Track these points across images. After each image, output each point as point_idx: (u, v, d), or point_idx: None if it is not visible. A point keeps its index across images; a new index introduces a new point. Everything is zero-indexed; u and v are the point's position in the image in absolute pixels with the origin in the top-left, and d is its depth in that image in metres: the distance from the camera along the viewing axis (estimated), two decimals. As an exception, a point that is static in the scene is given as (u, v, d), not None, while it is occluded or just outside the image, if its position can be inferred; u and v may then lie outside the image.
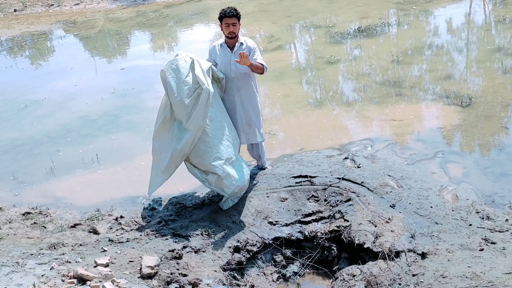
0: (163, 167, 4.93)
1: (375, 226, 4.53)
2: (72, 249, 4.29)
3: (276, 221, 4.94)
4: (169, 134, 4.90)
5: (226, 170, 4.81)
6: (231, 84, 5.18)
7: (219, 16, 5.09)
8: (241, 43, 5.15)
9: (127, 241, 4.51)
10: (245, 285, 4.28)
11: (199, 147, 4.84)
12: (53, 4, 21.34)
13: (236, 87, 5.20)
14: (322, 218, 4.94)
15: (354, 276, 4.08)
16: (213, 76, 5.00)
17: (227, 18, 5.00)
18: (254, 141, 5.47)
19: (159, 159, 4.97)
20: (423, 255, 4.02)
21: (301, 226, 4.90)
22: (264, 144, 5.73)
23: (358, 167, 5.60)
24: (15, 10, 21.19)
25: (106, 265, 3.87)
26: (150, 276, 3.83)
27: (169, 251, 4.25)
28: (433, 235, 4.26)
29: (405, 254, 4.07)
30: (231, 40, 5.12)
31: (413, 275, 3.78)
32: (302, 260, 4.66)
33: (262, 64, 5.08)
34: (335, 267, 4.52)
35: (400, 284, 3.73)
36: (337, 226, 4.71)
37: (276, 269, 4.62)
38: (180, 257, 4.21)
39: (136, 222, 5.03)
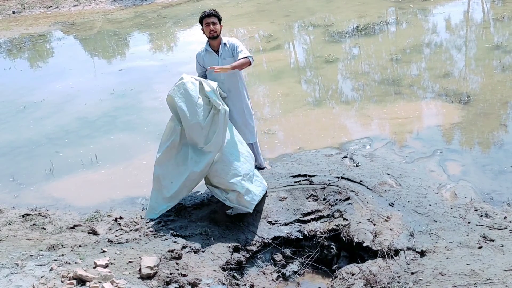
0: (168, 194, 4.87)
1: (374, 224, 4.53)
2: (72, 250, 4.30)
3: (275, 221, 4.94)
4: (176, 159, 4.84)
5: (245, 186, 4.80)
6: (222, 86, 5.17)
7: (199, 20, 5.11)
8: (225, 44, 5.15)
9: (126, 242, 4.52)
10: (245, 284, 4.29)
11: (216, 166, 4.80)
12: (51, 6, 21.35)
13: (226, 89, 5.20)
14: (321, 217, 4.95)
15: (353, 274, 4.09)
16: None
17: (206, 17, 5.03)
18: (252, 141, 5.48)
19: (163, 185, 4.89)
20: (422, 253, 4.02)
21: (300, 225, 4.91)
22: (259, 144, 5.72)
23: (356, 166, 5.60)
24: (13, 12, 21.20)
25: (106, 266, 3.87)
26: (149, 277, 3.83)
27: (169, 251, 4.25)
28: (432, 233, 4.26)
29: (404, 252, 4.08)
30: (214, 41, 5.11)
31: (412, 273, 3.78)
32: (302, 259, 4.66)
33: (245, 57, 5.05)
34: (335, 266, 4.52)
35: (399, 282, 3.74)
36: (336, 225, 4.71)
37: (276, 268, 4.63)
38: (179, 257, 4.21)
39: (135, 222, 5.04)
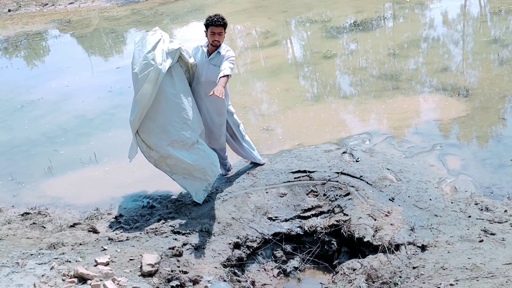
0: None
1: (375, 219, 4.53)
2: (72, 249, 4.29)
3: (276, 217, 4.94)
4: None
5: (170, 151, 4.89)
6: (199, 87, 5.12)
7: (205, 23, 4.98)
8: (219, 52, 4.98)
9: (127, 240, 4.51)
10: (246, 281, 4.29)
11: (146, 123, 4.91)
12: (47, 4, 21.26)
13: (203, 92, 5.11)
14: (321, 212, 4.95)
15: (354, 270, 4.09)
16: (182, 60, 5.03)
17: (214, 27, 4.89)
18: (214, 146, 5.39)
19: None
20: (423, 248, 4.03)
21: (300, 221, 4.91)
22: (249, 139, 5.69)
23: (356, 161, 5.60)
24: (9, 10, 21.10)
25: (107, 264, 3.87)
26: (150, 274, 3.83)
27: (169, 248, 4.25)
28: (432, 228, 4.26)
29: (405, 247, 4.08)
30: (213, 47, 5.05)
31: (414, 268, 3.79)
32: (302, 255, 4.67)
33: (225, 75, 4.72)
34: (336, 261, 4.53)
35: (400, 277, 3.74)
36: (337, 221, 4.71)
37: (277, 264, 4.63)
38: (180, 255, 4.20)
39: (135, 220, 5.03)
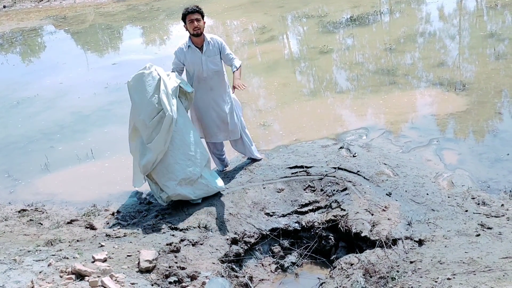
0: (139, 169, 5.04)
1: (372, 214, 4.54)
2: (69, 245, 4.28)
3: (273, 212, 4.95)
4: (137, 143, 4.96)
5: (178, 191, 4.87)
6: (204, 84, 5.13)
7: (182, 16, 5.02)
8: (208, 42, 5.06)
9: (124, 236, 4.51)
10: (244, 276, 4.29)
11: (157, 167, 4.90)
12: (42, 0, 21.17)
13: (208, 86, 5.16)
14: (318, 208, 4.95)
15: (352, 264, 4.09)
16: (181, 91, 4.96)
17: (190, 14, 4.93)
18: (232, 138, 5.47)
19: (134, 159, 5.09)
20: (420, 242, 4.03)
21: (298, 217, 4.91)
22: (250, 136, 5.71)
23: (353, 156, 5.60)
24: (4, 7, 21.01)
25: (104, 260, 3.86)
26: (148, 270, 3.82)
27: (167, 244, 4.24)
28: (429, 222, 4.27)
29: (402, 241, 4.09)
30: (197, 38, 5.02)
31: (411, 262, 3.79)
32: (300, 250, 4.67)
33: (240, 65, 5.10)
34: (333, 256, 4.53)
35: (398, 271, 3.75)
36: (334, 216, 4.71)
37: (274, 260, 4.64)
38: (178, 251, 4.20)
39: (132, 216, 5.03)
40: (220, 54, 5.13)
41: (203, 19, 5.01)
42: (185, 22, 5.01)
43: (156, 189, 4.99)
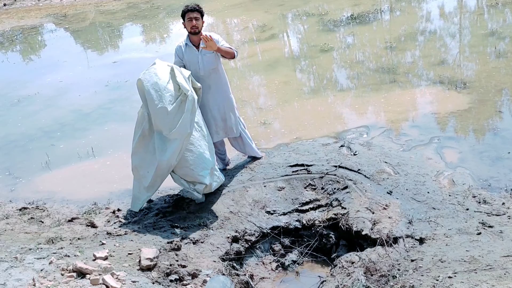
0: (146, 184, 4.80)
1: (373, 213, 4.54)
2: (70, 243, 4.29)
3: (274, 211, 4.95)
4: (149, 148, 4.77)
5: (213, 178, 4.87)
6: (202, 82, 5.10)
7: (181, 13, 5.05)
8: None
9: (125, 234, 4.51)
10: (244, 274, 4.29)
11: (185, 157, 4.75)
12: (42, -3, 21.14)
13: (206, 85, 5.14)
14: (319, 206, 4.95)
15: (353, 263, 4.10)
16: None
17: (190, 12, 4.96)
18: (231, 135, 5.47)
19: (141, 175, 4.84)
20: (421, 241, 4.04)
21: (298, 215, 4.91)
22: (249, 134, 5.70)
23: (354, 154, 5.60)
24: (4, 5, 20.98)
25: (105, 258, 3.87)
26: (149, 268, 3.83)
27: (168, 242, 4.25)
28: (430, 221, 4.27)
29: (403, 240, 4.09)
30: (195, 36, 5.04)
31: (412, 261, 3.80)
32: (301, 248, 4.67)
33: (230, 48, 5.06)
34: (334, 255, 4.53)
35: (399, 269, 3.75)
36: (335, 214, 4.71)
37: (275, 258, 4.64)
38: (178, 249, 4.20)
39: (133, 214, 5.03)
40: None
41: (202, 18, 5.04)
42: (184, 20, 5.03)
43: (186, 183, 4.85)
